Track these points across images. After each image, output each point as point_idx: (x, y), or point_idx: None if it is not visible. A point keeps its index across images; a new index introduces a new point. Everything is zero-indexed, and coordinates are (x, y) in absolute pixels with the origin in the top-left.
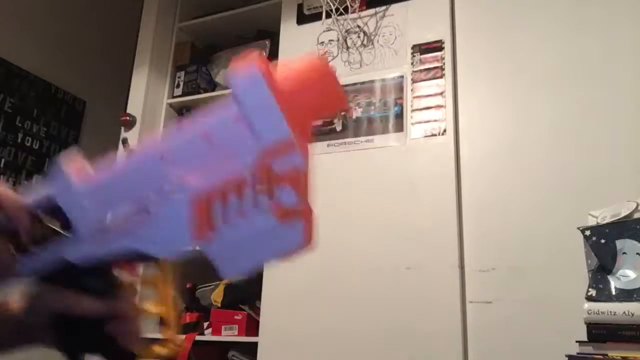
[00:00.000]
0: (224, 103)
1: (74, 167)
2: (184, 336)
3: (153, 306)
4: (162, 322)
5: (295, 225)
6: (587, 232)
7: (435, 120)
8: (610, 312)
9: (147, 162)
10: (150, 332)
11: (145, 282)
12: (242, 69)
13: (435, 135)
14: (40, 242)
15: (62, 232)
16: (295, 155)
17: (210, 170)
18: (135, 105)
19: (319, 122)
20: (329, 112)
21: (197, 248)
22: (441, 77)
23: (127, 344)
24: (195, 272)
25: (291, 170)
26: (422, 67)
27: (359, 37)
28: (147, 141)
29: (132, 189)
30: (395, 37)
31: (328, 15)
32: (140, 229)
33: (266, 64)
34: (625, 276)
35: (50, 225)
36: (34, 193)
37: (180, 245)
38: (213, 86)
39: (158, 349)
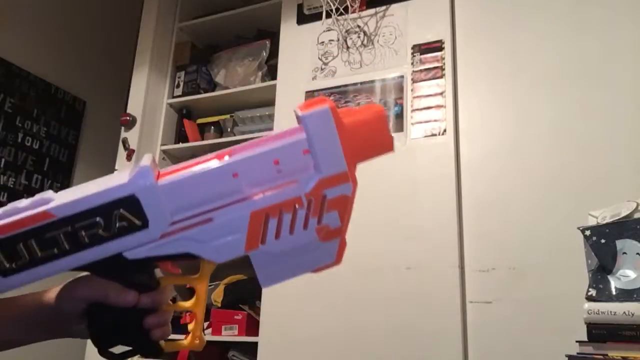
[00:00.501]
0: (295, 131)
1: (155, 165)
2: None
3: (187, 303)
4: (191, 317)
5: (332, 244)
6: (587, 232)
7: (435, 120)
8: (610, 312)
9: (222, 175)
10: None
11: (186, 279)
12: (316, 108)
13: (435, 135)
14: (112, 235)
15: (135, 226)
16: (347, 186)
17: (273, 191)
18: (135, 105)
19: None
20: (378, 153)
21: (246, 255)
22: (441, 77)
23: (158, 337)
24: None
25: (341, 198)
26: (422, 67)
27: (359, 37)
28: (221, 153)
29: (204, 197)
30: (395, 37)
31: (328, 15)
32: (200, 235)
33: (334, 104)
34: (625, 276)
35: (129, 217)
36: (113, 187)
37: (233, 253)
38: (213, 86)
39: (184, 343)
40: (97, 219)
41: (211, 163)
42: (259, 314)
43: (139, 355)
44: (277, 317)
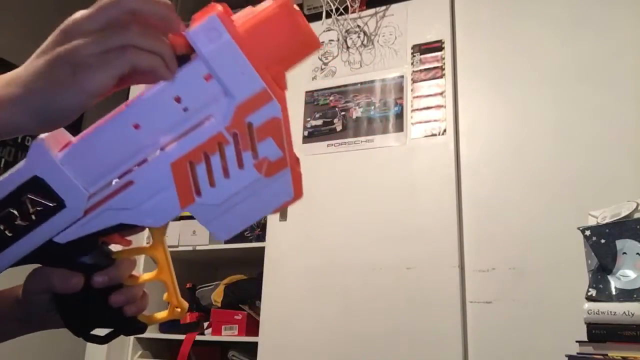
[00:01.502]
0: (192, 62)
1: (52, 140)
2: (187, 306)
3: (151, 273)
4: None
5: (283, 176)
6: (587, 232)
7: (435, 120)
8: (610, 312)
9: (121, 129)
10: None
11: (140, 250)
12: (202, 21)
13: (435, 135)
14: (32, 223)
15: (52, 209)
16: (272, 105)
17: (188, 133)
18: None
19: (293, 67)
20: (302, 54)
21: (186, 212)
22: (441, 77)
23: (132, 313)
24: (195, 272)
25: (270, 121)
26: (422, 67)
27: (359, 37)
28: (116, 108)
29: (112, 159)
30: (395, 37)
31: (328, 15)
32: (127, 202)
33: (227, 12)
34: (625, 276)
35: (40, 200)
36: (13, 173)
37: (169, 213)
38: None
39: (163, 314)
40: (10, 209)
41: (104, 119)
42: (259, 314)
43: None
44: (277, 317)
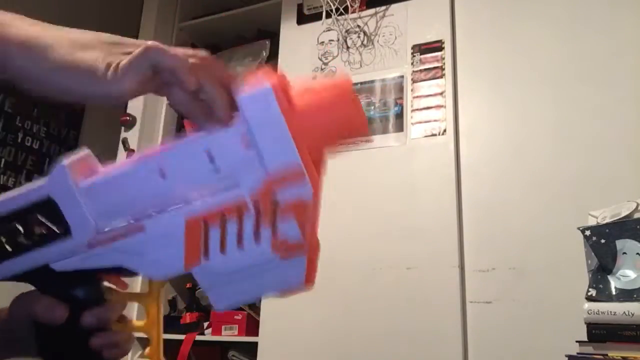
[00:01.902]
0: (234, 124)
1: (77, 166)
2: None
3: (139, 322)
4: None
5: (298, 262)
6: (587, 232)
7: (435, 120)
8: (610, 312)
9: (146, 173)
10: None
11: (134, 297)
12: (253, 84)
13: (435, 135)
14: (34, 244)
15: (56, 234)
16: (304, 185)
17: (210, 192)
18: (135, 105)
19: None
20: (348, 138)
21: (190, 272)
22: (441, 77)
23: (112, 358)
24: None
25: (297, 202)
26: (422, 67)
27: (359, 37)
28: (147, 150)
29: (130, 200)
30: (395, 37)
31: (328, 15)
32: (134, 247)
33: (281, 80)
34: (625, 276)
35: (48, 225)
36: (31, 189)
37: (172, 269)
38: None
39: None
40: (17, 224)
41: (135, 159)
42: (259, 314)
43: None
44: (277, 317)
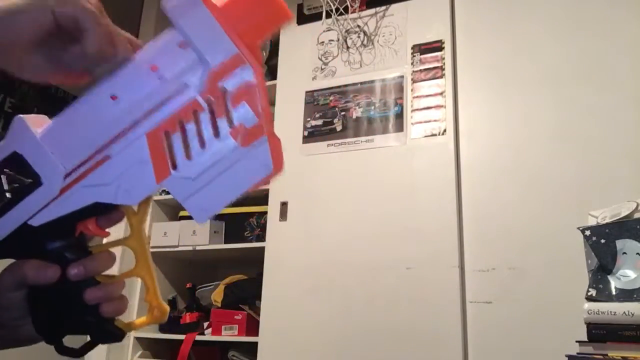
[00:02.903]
0: (168, 31)
1: (33, 120)
2: (167, 306)
3: (129, 270)
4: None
5: (260, 146)
6: (587, 232)
7: (435, 120)
8: (610, 312)
9: (99, 103)
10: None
11: (118, 242)
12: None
13: (435, 135)
14: (7, 203)
15: (28, 186)
16: (246, 70)
17: (163, 102)
18: None
19: (266, 38)
20: (273, 25)
21: (163, 189)
22: (441, 77)
23: (110, 314)
24: (195, 272)
25: (244, 86)
26: (422, 67)
27: (359, 37)
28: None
29: (90, 133)
30: (395, 37)
31: (328, 15)
32: (103, 178)
33: None
34: (625, 276)
35: (17, 177)
36: None
37: (146, 188)
38: None
39: (142, 320)
40: None
41: (87, 93)
42: (259, 314)
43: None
44: (277, 317)
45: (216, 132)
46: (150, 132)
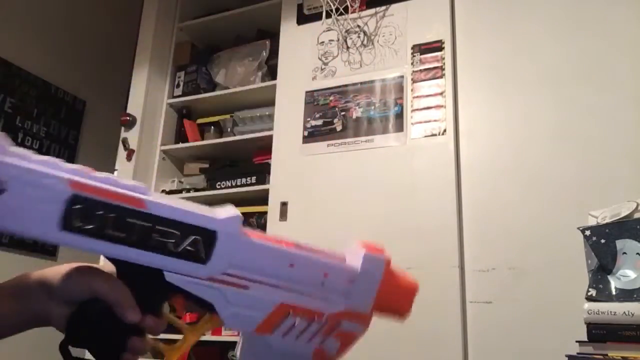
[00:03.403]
0: (353, 260)
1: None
2: None
3: (169, 345)
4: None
5: None
6: (587, 232)
7: (435, 120)
8: (610, 312)
9: (282, 259)
10: None
11: (182, 323)
12: (377, 252)
13: (435, 135)
14: (177, 253)
15: (197, 258)
16: (361, 327)
17: (307, 294)
18: (135, 105)
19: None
20: (394, 315)
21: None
22: (441, 77)
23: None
24: None
25: (349, 333)
26: (422, 67)
27: (359, 37)
28: (294, 243)
29: (259, 266)
30: (395, 37)
31: (328, 15)
32: (232, 296)
33: (390, 259)
34: (625, 276)
35: (199, 247)
36: (205, 215)
37: (243, 326)
38: (213, 86)
39: None
40: (177, 232)
41: (282, 245)
42: None
43: None
44: None
45: (310, 340)
46: (283, 303)
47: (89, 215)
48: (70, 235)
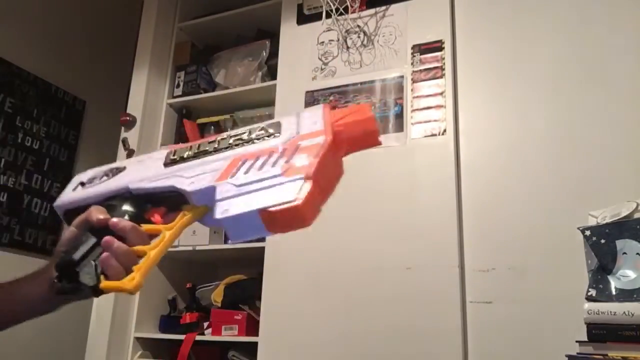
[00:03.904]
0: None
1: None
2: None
3: (148, 246)
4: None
5: (295, 180)
6: (587, 232)
7: (435, 120)
8: (610, 312)
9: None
10: None
11: (157, 226)
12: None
13: (435, 135)
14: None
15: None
16: (322, 137)
17: (259, 144)
18: (135, 105)
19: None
20: (363, 145)
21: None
22: (441, 77)
23: (104, 264)
24: (195, 272)
25: (313, 146)
26: (422, 67)
27: (359, 37)
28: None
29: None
30: (395, 37)
31: (328, 15)
32: (186, 170)
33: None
34: (625, 276)
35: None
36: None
37: (203, 184)
38: (213, 86)
39: (111, 283)
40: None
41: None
42: (259, 314)
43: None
44: (277, 317)
45: (274, 165)
46: (235, 157)
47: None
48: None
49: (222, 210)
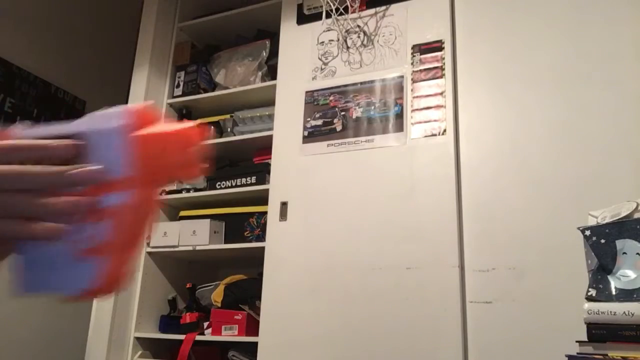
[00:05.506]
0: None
1: None
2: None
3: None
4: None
5: (90, 264)
6: (587, 232)
7: (435, 120)
8: (610, 312)
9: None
10: None
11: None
12: (112, 113)
13: (435, 135)
14: None
15: None
16: (127, 194)
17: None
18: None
19: (173, 184)
20: (182, 176)
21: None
22: (441, 77)
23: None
24: (195, 272)
25: (115, 207)
26: (422, 67)
27: (359, 37)
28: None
29: None
30: (395, 37)
31: (328, 15)
32: None
33: (145, 117)
34: (625, 276)
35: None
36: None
37: None
38: (213, 86)
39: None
40: None
41: None
42: (259, 314)
43: None
44: (277, 317)
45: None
46: None
47: None
48: None
49: (20, 285)
